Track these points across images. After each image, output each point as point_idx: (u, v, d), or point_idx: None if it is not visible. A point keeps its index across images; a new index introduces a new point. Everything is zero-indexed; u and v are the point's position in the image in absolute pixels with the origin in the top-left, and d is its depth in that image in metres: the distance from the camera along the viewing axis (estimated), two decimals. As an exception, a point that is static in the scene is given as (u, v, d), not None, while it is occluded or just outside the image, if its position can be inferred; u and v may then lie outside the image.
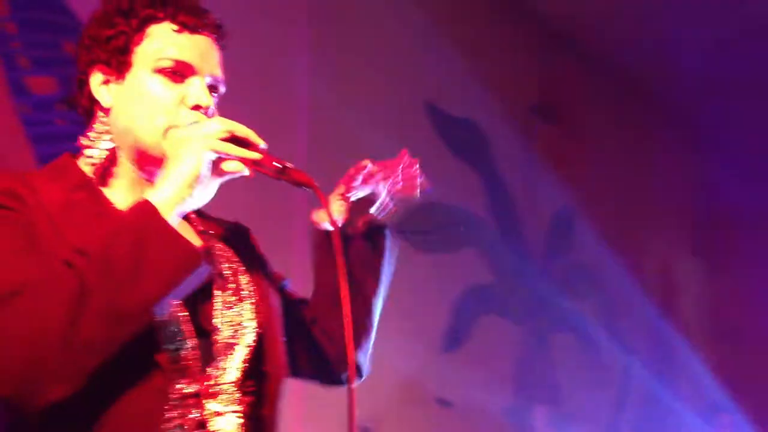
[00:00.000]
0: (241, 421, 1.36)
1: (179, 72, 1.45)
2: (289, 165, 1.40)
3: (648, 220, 5.72)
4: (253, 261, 1.57)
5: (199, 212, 1.55)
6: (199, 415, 1.30)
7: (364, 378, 1.73)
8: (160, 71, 1.45)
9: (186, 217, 1.46)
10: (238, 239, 1.61)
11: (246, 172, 1.36)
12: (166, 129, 1.40)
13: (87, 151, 1.46)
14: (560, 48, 5.33)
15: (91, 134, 1.48)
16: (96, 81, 1.48)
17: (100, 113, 1.48)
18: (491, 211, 4.91)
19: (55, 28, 3.40)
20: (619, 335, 5.32)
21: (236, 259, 1.52)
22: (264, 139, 1.39)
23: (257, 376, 1.41)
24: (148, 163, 1.44)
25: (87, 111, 1.51)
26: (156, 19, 1.48)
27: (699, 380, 5.55)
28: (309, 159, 4.03)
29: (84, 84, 1.50)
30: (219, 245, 1.53)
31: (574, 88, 5.45)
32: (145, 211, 1.24)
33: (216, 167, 1.33)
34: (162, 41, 1.46)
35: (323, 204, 1.48)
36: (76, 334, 1.12)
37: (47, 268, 1.18)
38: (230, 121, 1.35)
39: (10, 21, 3.17)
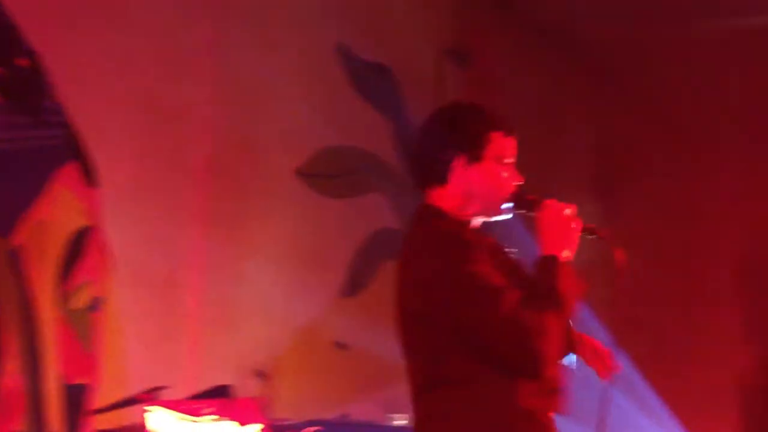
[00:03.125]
0: None
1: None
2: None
3: (556, 170, 5.75)
4: None
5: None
6: None
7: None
8: None
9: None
10: None
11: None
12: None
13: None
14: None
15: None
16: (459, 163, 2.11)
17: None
18: (399, 157, 4.88)
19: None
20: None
21: None
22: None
23: None
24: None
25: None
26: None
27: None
28: (213, 110, 3.97)
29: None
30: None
31: (489, 33, 5.42)
32: (563, 264, 2.05)
33: None
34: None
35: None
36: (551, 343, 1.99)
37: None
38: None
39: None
